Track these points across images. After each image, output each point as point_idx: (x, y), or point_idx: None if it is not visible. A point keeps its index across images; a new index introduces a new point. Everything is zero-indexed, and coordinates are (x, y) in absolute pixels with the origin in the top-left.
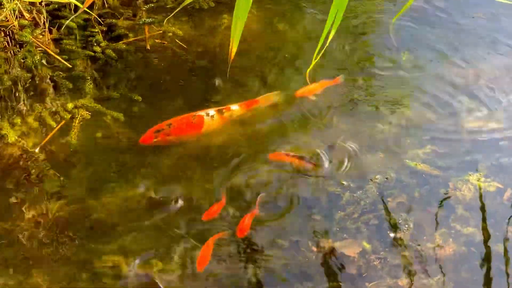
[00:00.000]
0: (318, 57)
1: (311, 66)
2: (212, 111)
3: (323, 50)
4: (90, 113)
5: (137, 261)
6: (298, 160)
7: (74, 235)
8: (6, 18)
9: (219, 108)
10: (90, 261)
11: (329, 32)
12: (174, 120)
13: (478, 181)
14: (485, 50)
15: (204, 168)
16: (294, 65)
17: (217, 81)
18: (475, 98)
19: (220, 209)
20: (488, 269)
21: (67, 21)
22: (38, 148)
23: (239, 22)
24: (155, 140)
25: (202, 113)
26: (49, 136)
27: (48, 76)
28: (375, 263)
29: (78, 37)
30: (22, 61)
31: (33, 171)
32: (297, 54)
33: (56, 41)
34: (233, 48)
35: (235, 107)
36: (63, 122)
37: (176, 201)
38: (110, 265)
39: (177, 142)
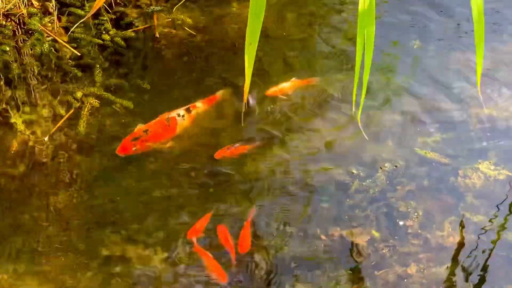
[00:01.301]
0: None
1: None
2: (181, 111)
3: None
4: (99, 102)
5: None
6: (243, 146)
7: (81, 223)
8: (15, 6)
9: (186, 107)
10: (96, 249)
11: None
12: (149, 126)
13: (487, 169)
14: (497, 38)
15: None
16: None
17: (226, 69)
18: (485, 85)
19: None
20: (498, 258)
21: (81, 20)
22: (47, 137)
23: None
24: (134, 148)
25: (173, 114)
26: (58, 124)
27: (57, 64)
28: (384, 251)
29: (87, 26)
30: (31, 49)
31: (42, 159)
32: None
33: (65, 30)
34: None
35: (198, 104)
36: (72, 110)
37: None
38: (118, 255)
39: (154, 147)
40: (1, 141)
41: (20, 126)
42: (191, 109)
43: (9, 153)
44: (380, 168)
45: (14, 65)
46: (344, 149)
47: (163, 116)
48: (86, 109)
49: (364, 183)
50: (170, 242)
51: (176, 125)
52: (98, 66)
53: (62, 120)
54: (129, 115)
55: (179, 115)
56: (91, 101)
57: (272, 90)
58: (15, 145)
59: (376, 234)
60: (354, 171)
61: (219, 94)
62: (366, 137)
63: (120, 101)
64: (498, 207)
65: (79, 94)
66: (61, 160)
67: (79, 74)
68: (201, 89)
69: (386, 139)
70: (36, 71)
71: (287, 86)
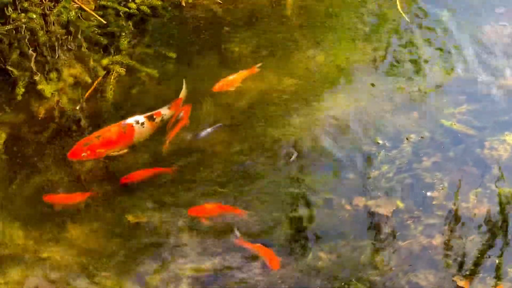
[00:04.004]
0: None
1: None
2: (141, 118)
3: None
4: (125, 70)
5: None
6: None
7: (107, 189)
8: None
9: (148, 114)
10: (122, 215)
11: None
12: (103, 132)
13: None
14: None
15: None
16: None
17: (252, 38)
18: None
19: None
20: None
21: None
22: (78, 106)
23: None
24: (83, 154)
25: (131, 121)
26: (88, 93)
27: (83, 33)
28: (408, 222)
29: None
30: (58, 17)
31: (69, 125)
32: None
33: None
34: None
35: (164, 111)
36: (99, 78)
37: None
38: (145, 221)
39: (108, 154)
40: (28, 108)
41: (47, 93)
42: (154, 116)
43: (36, 119)
44: (406, 139)
45: (41, 33)
46: (370, 119)
47: (120, 123)
48: (112, 77)
49: (389, 154)
50: None
51: (133, 133)
52: (124, 34)
53: (92, 88)
54: (154, 83)
55: (137, 122)
56: (117, 69)
57: (219, 85)
58: (42, 112)
59: (401, 205)
60: (380, 142)
61: (181, 95)
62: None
63: (146, 70)
64: None
65: (105, 62)
66: (90, 127)
67: (105, 42)
68: (227, 58)
69: (412, 110)
70: (62, 38)
71: (235, 78)
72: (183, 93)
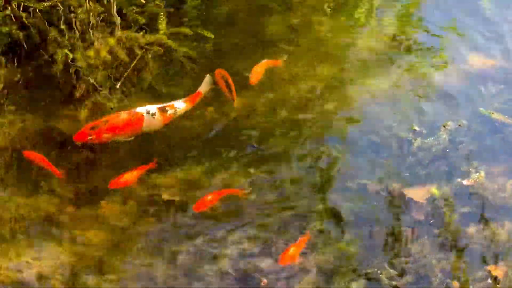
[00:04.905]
0: None
1: None
2: (153, 109)
3: None
4: (162, 49)
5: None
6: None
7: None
8: None
9: (161, 105)
10: (155, 193)
11: None
12: (111, 117)
13: None
14: None
15: None
16: None
17: (291, 20)
18: None
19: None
20: None
21: None
22: (118, 84)
23: None
24: (89, 138)
25: (142, 110)
26: (127, 72)
27: (121, 11)
28: (443, 210)
29: None
30: None
31: (106, 103)
32: None
33: None
34: None
35: (179, 104)
36: (138, 57)
37: None
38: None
39: (115, 140)
40: (65, 86)
41: (85, 72)
42: (167, 108)
43: (73, 98)
44: (443, 126)
45: (79, 10)
46: (406, 106)
47: (130, 111)
48: (149, 56)
49: (426, 141)
50: None
51: (142, 122)
52: (161, 14)
53: (131, 67)
54: (191, 63)
55: (148, 112)
56: (155, 49)
57: (254, 78)
58: (79, 91)
59: (436, 193)
60: (417, 128)
61: (201, 89)
62: None
63: (183, 49)
64: None
65: (143, 41)
66: (127, 106)
67: (143, 21)
68: (264, 40)
69: (450, 97)
70: (100, 16)
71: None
72: (204, 88)
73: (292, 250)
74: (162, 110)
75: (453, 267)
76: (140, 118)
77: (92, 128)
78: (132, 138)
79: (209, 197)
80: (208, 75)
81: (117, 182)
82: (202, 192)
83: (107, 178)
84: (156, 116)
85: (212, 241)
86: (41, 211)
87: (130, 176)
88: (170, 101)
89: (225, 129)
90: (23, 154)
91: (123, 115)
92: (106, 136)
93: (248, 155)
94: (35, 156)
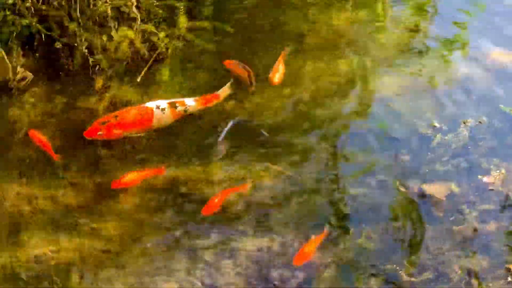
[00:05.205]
0: None
1: None
2: (163, 104)
3: None
4: (182, 43)
5: None
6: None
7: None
8: None
9: (171, 101)
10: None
11: None
12: (121, 112)
13: None
14: None
15: None
16: None
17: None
18: None
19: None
20: None
21: None
22: (139, 78)
23: None
24: (99, 133)
25: (152, 105)
26: (147, 65)
27: (141, 5)
28: (463, 207)
29: None
30: None
31: (126, 96)
32: None
33: None
34: None
35: (190, 102)
36: (158, 51)
37: None
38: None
39: (125, 135)
40: (85, 79)
41: (104, 65)
42: (177, 104)
43: (93, 90)
44: (463, 123)
45: (99, 3)
46: (426, 102)
47: (140, 106)
48: (169, 50)
49: (446, 137)
50: None
51: (152, 118)
52: (182, 7)
53: (151, 61)
54: (211, 57)
55: (158, 107)
56: (174, 42)
57: (278, 78)
58: (99, 83)
59: (456, 189)
60: (436, 125)
61: (221, 92)
62: None
63: (203, 44)
64: None
65: (162, 35)
66: (147, 99)
67: (164, 14)
68: (285, 35)
69: (470, 94)
70: (120, 10)
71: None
72: (223, 92)
73: (306, 249)
74: (172, 106)
75: (472, 264)
76: (150, 113)
77: (102, 123)
78: (143, 134)
79: (216, 200)
80: (230, 81)
81: (119, 183)
82: (219, 186)
83: (126, 170)
84: (166, 112)
85: (230, 236)
86: (60, 203)
87: (134, 177)
88: (188, 96)
89: (242, 122)
90: (28, 132)
91: (133, 110)
92: (116, 132)
93: (265, 148)
94: (38, 138)
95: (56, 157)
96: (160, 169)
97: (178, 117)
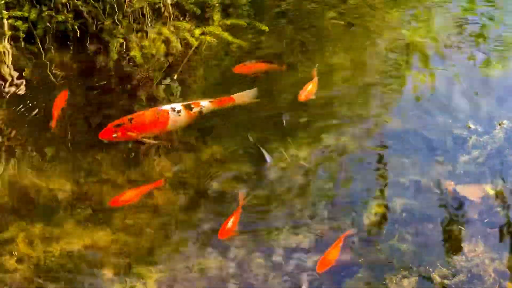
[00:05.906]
0: None
1: None
2: (178, 106)
3: None
4: (216, 40)
5: None
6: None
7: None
8: None
9: (186, 103)
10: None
11: None
12: (136, 115)
13: None
14: None
15: None
16: None
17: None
18: None
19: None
20: None
21: None
22: (175, 75)
23: None
24: (114, 135)
25: (167, 107)
26: (184, 62)
27: (176, 1)
28: (498, 209)
29: None
30: None
31: (160, 94)
32: None
33: None
34: None
35: (205, 103)
36: (193, 48)
37: None
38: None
39: (140, 138)
40: (119, 75)
41: (139, 60)
42: (192, 106)
43: (128, 87)
44: (499, 124)
45: (134, 0)
46: (462, 104)
47: (155, 108)
48: (204, 47)
49: (481, 139)
50: None
51: (168, 120)
52: (217, 5)
53: (187, 58)
54: (245, 55)
55: (173, 110)
56: (209, 39)
57: (304, 95)
58: (134, 79)
59: (491, 191)
60: (472, 126)
61: (236, 96)
62: None
63: (237, 41)
64: None
65: (197, 32)
66: (181, 96)
67: (198, 11)
68: (320, 33)
69: (506, 95)
70: (155, 6)
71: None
72: (240, 97)
73: (328, 256)
74: (187, 108)
75: (507, 267)
76: (165, 115)
77: (118, 125)
78: (158, 137)
79: (229, 224)
80: (255, 88)
81: (118, 201)
82: (248, 185)
83: (158, 166)
84: (181, 114)
85: (262, 233)
86: (93, 199)
87: (132, 194)
88: (222, 94)
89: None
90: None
91: (149, 112)
92: (131, 134)
93: (297, 145)
94: (58, 100)
95: (53, 127)
96: (159, 182)
97: (193, 118)
